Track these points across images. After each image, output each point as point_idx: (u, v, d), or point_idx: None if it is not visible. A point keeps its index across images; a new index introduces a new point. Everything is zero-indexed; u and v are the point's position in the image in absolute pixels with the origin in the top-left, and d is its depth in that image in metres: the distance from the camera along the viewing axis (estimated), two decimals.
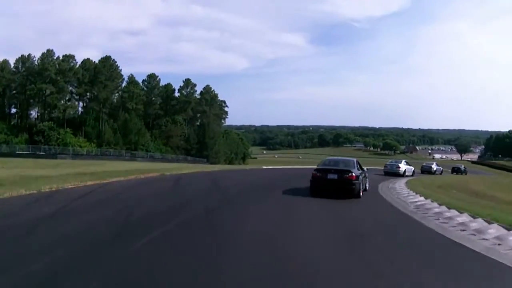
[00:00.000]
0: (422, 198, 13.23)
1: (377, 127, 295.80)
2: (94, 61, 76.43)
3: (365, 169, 15.37)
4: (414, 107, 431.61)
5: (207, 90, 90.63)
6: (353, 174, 12.77)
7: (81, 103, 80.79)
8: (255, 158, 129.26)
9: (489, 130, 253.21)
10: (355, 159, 14.91)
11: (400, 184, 19.82)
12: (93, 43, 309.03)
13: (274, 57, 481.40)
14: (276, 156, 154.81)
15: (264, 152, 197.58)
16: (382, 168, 32.68)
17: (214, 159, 74.44)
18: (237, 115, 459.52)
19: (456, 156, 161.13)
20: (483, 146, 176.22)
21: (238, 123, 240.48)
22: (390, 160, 35.95)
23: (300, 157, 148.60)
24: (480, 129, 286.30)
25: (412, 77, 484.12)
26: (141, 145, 69.61)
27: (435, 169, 42.01)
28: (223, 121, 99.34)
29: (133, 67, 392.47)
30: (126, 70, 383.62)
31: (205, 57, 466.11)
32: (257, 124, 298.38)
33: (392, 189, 17.05)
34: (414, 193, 14.91)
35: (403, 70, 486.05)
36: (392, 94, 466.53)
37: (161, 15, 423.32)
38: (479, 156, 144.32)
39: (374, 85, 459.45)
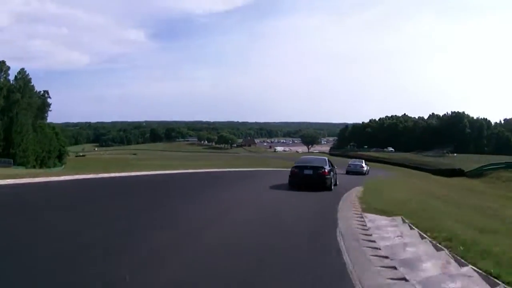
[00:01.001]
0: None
1: (213, 121, 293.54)
2: None
3: (335, 166, 17.34)
4: (252, 101, 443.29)
5: (22, 75, 69.44)
6: (326, 170, 15.10)
7: None
8: (83, 156, 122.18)
9: (333, 122, 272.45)
10: (326, 158, 17.97)
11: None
12: None
13: (116, 53, 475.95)
14: (106, 154, 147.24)
15: (96, 149, 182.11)
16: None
17: (23, 159, 59.06)
18: (75, 112, 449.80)
19: (302, 148, 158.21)
20: (336, 138, 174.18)
21: (75, 120, 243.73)
22: (352, 160, 37.06)
23: (136, 154, 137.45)
24: (322, 122, 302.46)
25: (252, 72, 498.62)
26: None
27: (366, 169, 34.31)
28: (46, 115, 78.35)
29: None
30: None
31: (53, 53, 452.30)
32: (93, 120, 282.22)
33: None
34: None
35: (243, 65, 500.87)
36: (231, 89, 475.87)
37: (19, 11, 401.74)
38: (331, 148, 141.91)
39: (213, 80, 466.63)
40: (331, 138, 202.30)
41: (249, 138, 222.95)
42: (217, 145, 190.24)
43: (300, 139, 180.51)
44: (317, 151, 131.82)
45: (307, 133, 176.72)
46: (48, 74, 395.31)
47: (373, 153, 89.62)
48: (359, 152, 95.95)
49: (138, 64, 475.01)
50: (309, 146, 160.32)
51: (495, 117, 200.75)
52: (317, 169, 15.02)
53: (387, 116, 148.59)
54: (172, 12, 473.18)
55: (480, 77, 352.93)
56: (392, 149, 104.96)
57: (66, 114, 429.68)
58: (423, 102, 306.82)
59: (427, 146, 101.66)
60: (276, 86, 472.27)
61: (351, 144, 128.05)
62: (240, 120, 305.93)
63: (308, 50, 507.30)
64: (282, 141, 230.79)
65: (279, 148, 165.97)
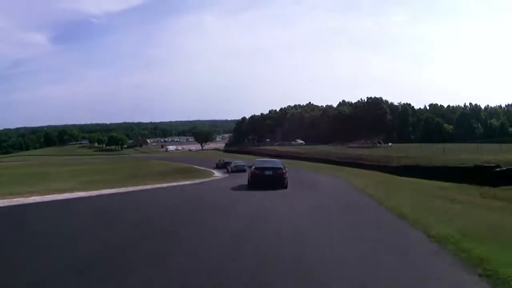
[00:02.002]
0: None
1: (108, 123, 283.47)
2: None
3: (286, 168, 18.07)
4: (146, 100, 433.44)
5: None
6: (284, 171, 17.04)
7: None
8: None
9: (229, 119, 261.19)
10: (279, 161, 20.38)
11: None
12: None
13: (18, 58, 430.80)
14: None
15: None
16: None
17: None
18: None
19: (195, 146, 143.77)
20: (231, 134, 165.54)
21: None
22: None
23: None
24: (218, 119, 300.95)
25: (148, 71, 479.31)
26: None
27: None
28: None
29: None
30: None
31: None
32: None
33: None
34: None
35: (138, 64, 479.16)
36: (125, 89, 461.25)
37: None
38: (226, 144, 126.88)
39: (107, 80, 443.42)
40: (226, 135, 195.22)
41: (140, 138, 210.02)
42: (108, 147, 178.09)
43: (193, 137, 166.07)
44: (212, 149, 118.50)
45: (200, 130, 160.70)
46: None
47: (278, 147, 76.26)
48: (262, 147, 78.24)
49: (38, 67, 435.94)
50: (203, 144, 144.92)
51: (417, 103, 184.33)
52: (276, 170, 17.01)
53: (289, 106, 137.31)
54: (69, 13, 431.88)
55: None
56: (302, 142, 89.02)
57: None
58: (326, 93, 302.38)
59: (343, 136, 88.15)
60: (170, 85, 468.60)
61: (250, 137, 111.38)
62: (135, 121, 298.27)
63: (204, 47, 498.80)
64: (176, 139, 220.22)
65: (171, 147, 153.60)
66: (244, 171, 32.17)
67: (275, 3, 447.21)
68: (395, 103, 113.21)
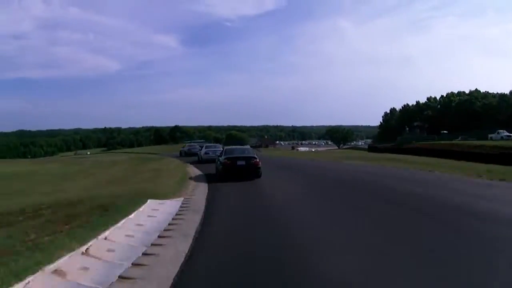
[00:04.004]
0: None
1: (247, 125, 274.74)
2: None
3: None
4: (285, 104, 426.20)
5: None
6: (257, 160, 15.64)
7: None
8: None
9: (365, 124, 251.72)
10: (250, 148, 19.78)
11: None
12: None
13: (147, 59, 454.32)
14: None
15: (88, 153, 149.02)
16: None
17: None
18: (105, 117, 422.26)
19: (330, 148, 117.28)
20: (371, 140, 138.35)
21: (106, 125, 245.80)
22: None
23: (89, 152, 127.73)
24: (357, 124, 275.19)
25: (285, 75, 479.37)
26: None
27: None
28: None
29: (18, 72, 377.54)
30: (9, 76, 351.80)
31: (80, 60, 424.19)
32: (125, 126, 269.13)
33: None
34: None
35: (276, 69, 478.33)
36: (263, 92, 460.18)
37: (41, 17, 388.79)
38: (371, 143, 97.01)
39: (246, 84, 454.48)
40: (369, 140, 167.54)
41: (266, 137, 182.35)
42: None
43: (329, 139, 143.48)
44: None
45: (336, 130, 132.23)
46: (76, 80, 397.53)
47: (471, 142, 44.55)
48: (440, 142, 50.75)
49: (170, 69, 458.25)
50: (340, 145, 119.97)
51: None
52: (250, 159, 15.53)
53: (452, 93, 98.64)
54: (200, 17, 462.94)
55: None
56: (508, 134, 51.20)
57: (97, 119, 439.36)
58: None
59: None
60: (309, 90, 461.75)
61: (416, 125, 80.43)
62: (276, 124, 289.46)
63: (341, 53, 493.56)
64: (314, 142, 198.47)
65: (302, 148, 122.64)
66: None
67: (410, 9, 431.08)
68: None
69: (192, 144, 46.42)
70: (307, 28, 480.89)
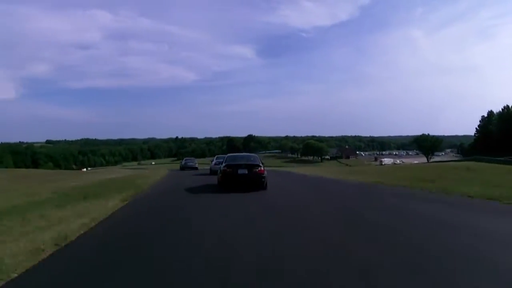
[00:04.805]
0: None
1: (325, 136, 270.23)
2: None
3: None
4: (361, 115, 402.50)
5: None
6: (262, 168, 14.00)
7: None
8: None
9: (446, 134, 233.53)
10: (257, 155, 16.58)
11: None
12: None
13: (222, 70, 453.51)
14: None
15: (153, 163, 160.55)
16: None
17: None
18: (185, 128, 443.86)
19: (418, 159, 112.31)
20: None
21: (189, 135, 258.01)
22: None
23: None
24: (440, 134, 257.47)
25: (361, 86, 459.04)
26: None
27: None
28: None
29: (85, 82, 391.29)
30: (77, 85, 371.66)
31: (153, 70, 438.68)
32: (201, 136, 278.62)
33: None
34: None
35: (351, 79, 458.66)
36: (338, 103, 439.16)
37: (110, 28, 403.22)
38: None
39: (322, 94, 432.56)
40: (448, 150, 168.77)
41: (346, 147, 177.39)
42: (304, 157, 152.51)
43: (413, 150, 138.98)
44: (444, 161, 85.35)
45: (425, 138, 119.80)
46: (150, 90, 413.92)
47: None
48: None
49: (245, 80, 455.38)
50: (429, 156, 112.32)
51: None
52: (252, 167, 13.93)
53: None
54: (275, 28, 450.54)
55: None
56: None
57: (171, 129, 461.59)
58: None
59: None
60: (385, 100, 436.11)
61: None
62: (353, 134, 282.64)
63: (415, 63, 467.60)
64: (394, 153, 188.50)
65: (387, 160, 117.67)
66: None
67: (476, 16, 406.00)
68: None
69: (188, 158, 50.24)
70: (380, 38, 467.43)
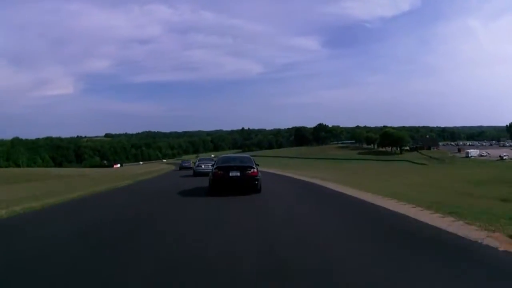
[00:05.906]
0: None
1: (396, 126, 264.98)
2: None
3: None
4: (428, 105, 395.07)
5: None
6: (255, 170, 13.25)
7: None
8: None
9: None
10: (250, 156, 15.76)
11: None
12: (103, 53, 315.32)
13: (287, 62, 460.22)
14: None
15: (198, 156, 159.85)
16: None
17: None
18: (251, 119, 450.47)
19: (506, 151, 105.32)
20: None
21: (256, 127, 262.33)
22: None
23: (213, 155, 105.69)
24: (498, 125, 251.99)
25: (426, 76, 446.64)
26: None
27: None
28: None
29: (146, 76, 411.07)
30: (138, 80, 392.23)
31: (218, 63, 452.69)
32: (269, 127, 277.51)
33: None
34: None
35: (416, 69, 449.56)
36: (407, 93, 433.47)
37: (171, 22, 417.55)
38: None
39: (388, 85, 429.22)
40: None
41: (428, 137, 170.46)
42: (381, 149, 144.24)
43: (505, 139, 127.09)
44: None
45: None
46: (217, 83, 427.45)
47: None
48: None
49: (311, 71, 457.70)
50: None
51: None
52: (245, 169, 13.16)
53: None
54: (338, 19, 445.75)
55: None
56: None
57: (237, 121, 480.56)
58: None
59: None
60: (449, 90, 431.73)
61: None
62: (420, 125, 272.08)
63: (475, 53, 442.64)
64: (468, 143, 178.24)
65: (473, 152, 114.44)
66: None
67: None
68: None
69: (185, 161, 52.63)
70: (439, 28, 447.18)
